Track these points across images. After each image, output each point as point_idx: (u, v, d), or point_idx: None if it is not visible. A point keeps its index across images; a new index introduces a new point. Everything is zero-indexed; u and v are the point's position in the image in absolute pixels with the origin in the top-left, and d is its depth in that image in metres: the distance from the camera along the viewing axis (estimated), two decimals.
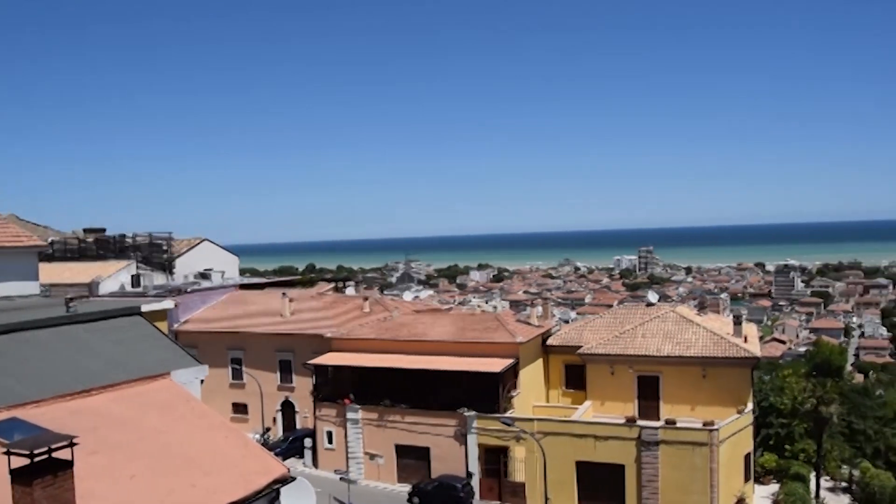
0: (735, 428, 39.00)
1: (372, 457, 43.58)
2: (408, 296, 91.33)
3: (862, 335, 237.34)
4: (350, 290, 68.40)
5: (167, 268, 61.80)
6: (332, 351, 47.07)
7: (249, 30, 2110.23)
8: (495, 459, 41.33)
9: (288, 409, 53.66)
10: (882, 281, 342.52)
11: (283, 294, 56.43)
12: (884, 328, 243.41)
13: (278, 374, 53.49)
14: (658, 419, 40.60)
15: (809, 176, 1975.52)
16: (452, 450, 41.95)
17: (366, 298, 59.72)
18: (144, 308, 21.51)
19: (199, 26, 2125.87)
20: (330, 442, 45.97)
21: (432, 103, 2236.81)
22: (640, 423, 39.00)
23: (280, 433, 52.90)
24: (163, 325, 22.26)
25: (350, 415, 44.74)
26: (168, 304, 25.00)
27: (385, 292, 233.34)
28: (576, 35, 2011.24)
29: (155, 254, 61.97)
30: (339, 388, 45.96)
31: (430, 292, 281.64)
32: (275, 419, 53.98)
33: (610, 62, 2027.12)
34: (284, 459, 44.43)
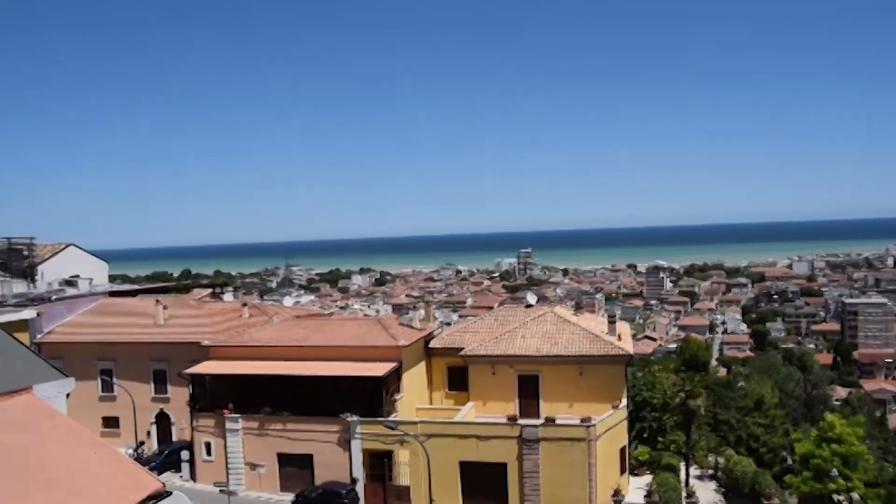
0: (611, 423, 40.46)
1: (253, 467, 42.51)
2: (288, 301, 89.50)
3: (725, 331, 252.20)
4: (228, 297, 66.48)
5: (28, 275, 58.15)
6: (209, 359, 45.59)
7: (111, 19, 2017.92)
8: (379, 464, 41.17)
9: (163, 421, 51.55)
10: (742, 280, 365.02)
11: (157, 301, 54.19)
12: (744, 324, 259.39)
13: (152, 384, 51.31)
14: (538, 417, 41.58)
15: (675, 181, 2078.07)
16: (336, 456, 41.50)
17: (244, 304, 58.26)
18: (1, 318, 20.19)
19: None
20: (209, 453, 44.51)
21: (311, 105, 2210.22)
22: (521, 421, 39.85)
23: (155, 447, 50.74)
24: (23, 337, 21.02)
25: (229, 425, 43.47)
26: (29, 313, 23.62)
27: (265, 298, 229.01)
28: (439, 33, 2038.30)
29: (15, 260, 58.16)
30: (217, 397, 44.57)
31: (312, 297, 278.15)
32: (149, 432, 51.74)
33: (488, 62, 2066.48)
34: (160, 474, 42.67)
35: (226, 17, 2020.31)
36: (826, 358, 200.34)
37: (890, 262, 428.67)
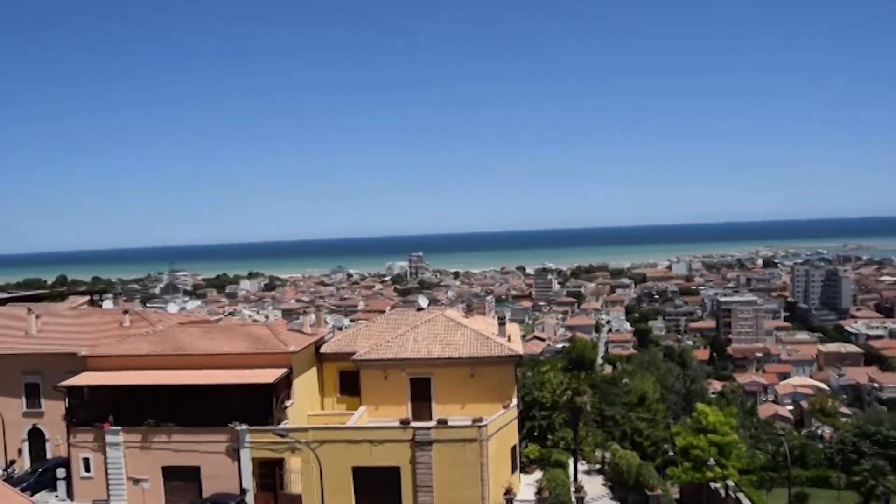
0: (502, 423, 41.08)
1: (136, 482, 40.76)
2: (173, 307, 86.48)
3: (610, 330, 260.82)
4: (108, 304, 63.52)
5: None
6: (88, 370, 43.39)
7: None
8: (270, 473, 40.30)
9: (37, 437, 48.57)
10: (626, 281, 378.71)
11: (29, 310, 51.14)
12: (628, 323, 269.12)
13: (24, 398, 48.24)
14: (431, 419, 41.76)
15: (560, 185, 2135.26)
16: (225, 466, 40.32)
17: (126, 312, 55.74)
18: None
19: None
20: (87, 470, 42.32)
21: (188, 104, 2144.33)
22: (414, 424, 39.90)
23: (27, 465, 47.82)
24: None
25: (110, 438, 41.48)
26: None
27: (148, 305, 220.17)
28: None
29: None
30: (96, 410, 42.45)
31: (198, 303, 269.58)
32: (20, 450, 48.66)
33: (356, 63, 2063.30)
34: (33, 494, 40.49)
35: None
36: (703, 354, 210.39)
37: (759, 262, 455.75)
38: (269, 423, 39.93)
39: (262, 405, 40.44)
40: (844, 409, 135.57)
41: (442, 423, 39.80)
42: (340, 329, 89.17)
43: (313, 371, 46.55)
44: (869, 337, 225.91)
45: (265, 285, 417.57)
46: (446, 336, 45.46)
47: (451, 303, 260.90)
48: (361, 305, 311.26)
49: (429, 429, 38.86)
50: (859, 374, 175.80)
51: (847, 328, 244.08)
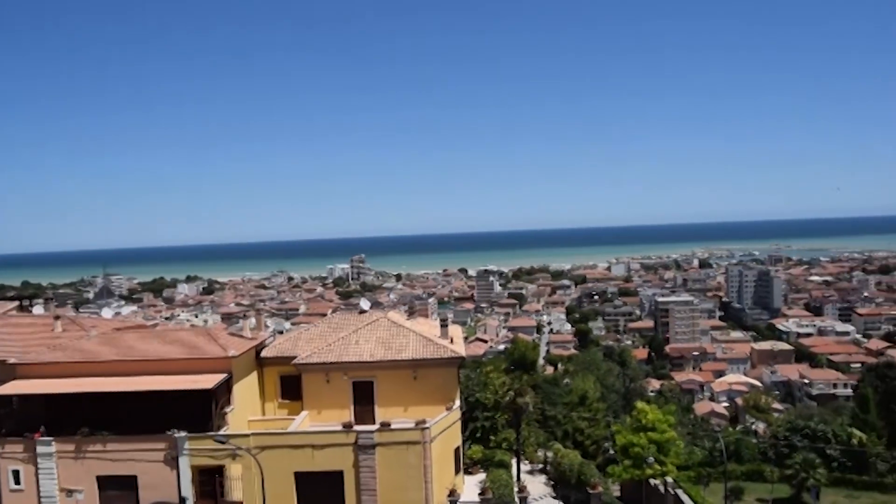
0: (445, 424, 41.11)
1: (69, 493, 39.47)
2: (107, 312, 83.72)
3: (551, 331, 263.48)
4: (38, 309, 61.28)
5: None
6: (17, 378, 41.89)
7: None
8: (210, 480, 39.48)
9: None
10: (566, 282, 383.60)
11: None
12: (568, 324, 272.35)
13: None
14: (374, 423, 41.53)
15: (501, 188, 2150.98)
16: (163, 475, 39.37)
17: (57, 317, 53.89)
18: None
19: None
20: (17, 482, 40.77)
21: (130, 107, 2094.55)
22: (357, 428, 39.62)
23: None
24: None
25: (41, 449, 40.08)
26: None
27: (81, 310, 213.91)
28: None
29: None
30: (27, 420, 40.95)
31: (134, 308, 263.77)
32: None
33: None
34: None
35: None
36: (642, 353, 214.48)
37: (695, 263, 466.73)
38: (209, 430, 39.14)
39: (201, 411, 39.60)
40: (777, 406, 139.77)
41: (385, 426, 39.62)
42: (281, 333, 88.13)
43: (254, 376, 45.84)
44: (799, 335, 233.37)
45: (204, 289, 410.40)
46: (389, 339, 45.27)
47: (394, 305, 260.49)
48: (303, 309, 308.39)
49: (372, 432, 38.65)
50: (790, 371, 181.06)
51: (778, 326, 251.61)
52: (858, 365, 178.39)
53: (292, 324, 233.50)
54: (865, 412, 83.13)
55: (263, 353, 46.67)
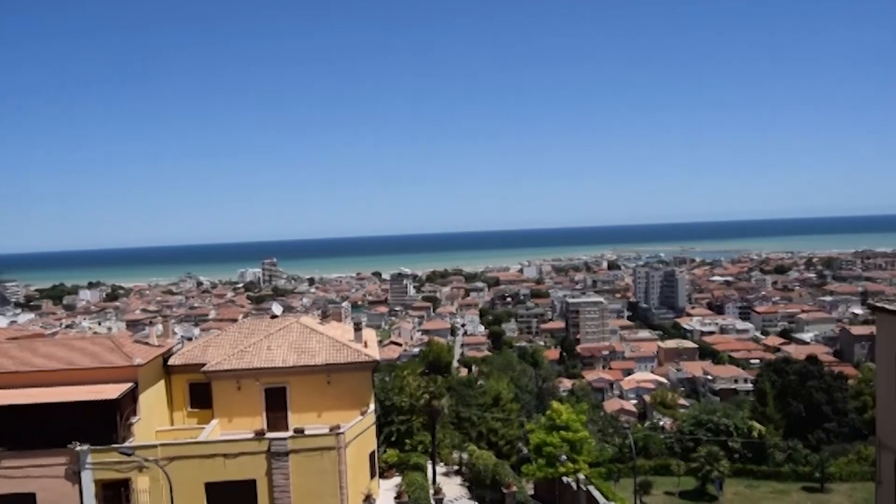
0: (359, 429, 40.78)
1: None
2: (2, 321, 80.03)
3: (465, 333, 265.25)
4: None
5: None
6: None
7: None
8: (115, 494, 37.92)
9: None
10: (479, 285, 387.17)
11: None
12: (482, 326, 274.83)
13: None
14: (287, 429, 40.84)
15: (410, 192, 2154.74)
16: (64, 491, 37.60)
17: None
18: None
19: None
20: None
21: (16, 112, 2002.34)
22: (270, 435, 38.86)
23: None
24: None
25: None
26: None
27: None
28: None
29: None
30: None
31: (31, 316, 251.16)
32: None
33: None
34: None
35: None
36: (554, 353, 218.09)
37: (604, 265, 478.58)
38: (114, 442, 37.66)
39: (105, 423, 38.04)
40: (682, 401, 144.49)
41: (298, 432, 39.00)
42: (190, 339, 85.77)
43: (161, 385, 44.37)
44: (702, 333, 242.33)
45: (107, 295, 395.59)
46: (302, 343, 44.61)
47: (307, 309, 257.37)
48: (213, 314, 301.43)
49: (285, 439, 37.97)
50: (695, 368, 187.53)
51: (683, 325, 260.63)
52: (757, 361, 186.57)
53: (202, 330, 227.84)
54: (764, 405, 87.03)
55: (171, 361, 45.23)
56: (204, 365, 43.33)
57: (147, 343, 45.00)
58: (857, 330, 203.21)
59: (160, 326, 48.73)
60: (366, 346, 45.76)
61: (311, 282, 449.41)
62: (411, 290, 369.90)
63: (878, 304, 28.06)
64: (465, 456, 55.16)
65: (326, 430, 39.00)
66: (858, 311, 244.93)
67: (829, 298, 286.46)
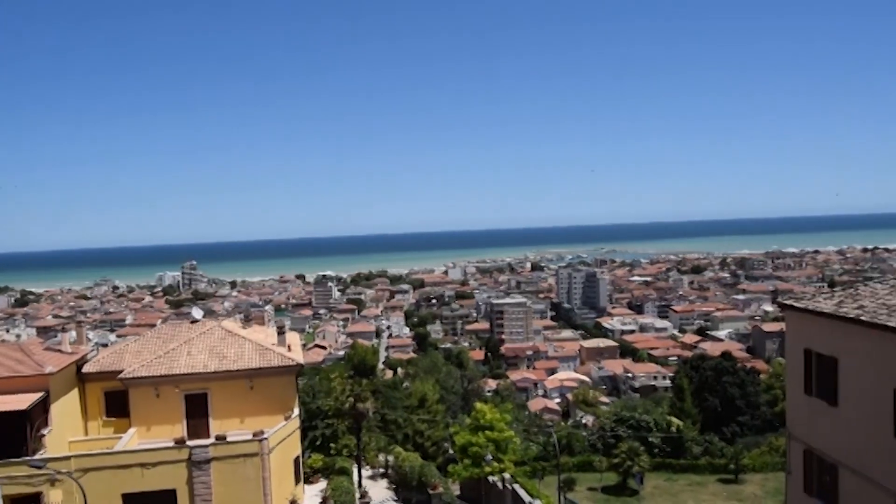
0: (283, 434, 40.18)
1: None
2: None
3: (390, 335, 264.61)
4: None
5: None
6: None
7: None
8: None
9: None
10: (404, 287, 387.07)
11: None
12: (407, 328, 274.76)
13: None
14: (209, 436, 39.91)
15: (337, 193, 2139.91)
16: None
17: None
18: None
19: None
20: None
21: None
22: (190, 443, 37.89)
23: None
24: None
25: None
26: None
27: None
28: None
29: None
30: None
31: None
32: None
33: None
34: None
35: None
36: (479, 354, 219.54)
37: (528, 266, 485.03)
38: (23, 455, 36.07)
39: (14, 435, 36.40)
40: (604, 399, 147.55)
41: (220, 439, 38.15)
42: (106, 346, 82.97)
43: (75, 393, 42.73)
44: (623, 332, 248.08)
45: (16, 301, 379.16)
46: (223, 348, 43.66)
47: (228, 313, 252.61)
48: (129, 319, 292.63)
49: (206, 446, 37.08)
50: (615, 366, 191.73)
51: (604, 324, 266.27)
52: (675, 358, 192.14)
53: (118, 336, 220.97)
54: (682, 401, 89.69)
55: (85, 369, 43.60)
56: (120, 372, 41.93)
57: (59, 350, 43.27)
58: (768, 327, 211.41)
59: (73, 333, 46.96)
60: (289, 349, 45.12)
61: (233, 285, 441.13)
62: (336, 293, 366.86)
63: (787, 302, 29.17)
64: (391, 458, 55.00)
65: (249, 437, 38.28)
66: (769, 308, 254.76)
67: (741, 297, 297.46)
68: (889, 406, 22.01)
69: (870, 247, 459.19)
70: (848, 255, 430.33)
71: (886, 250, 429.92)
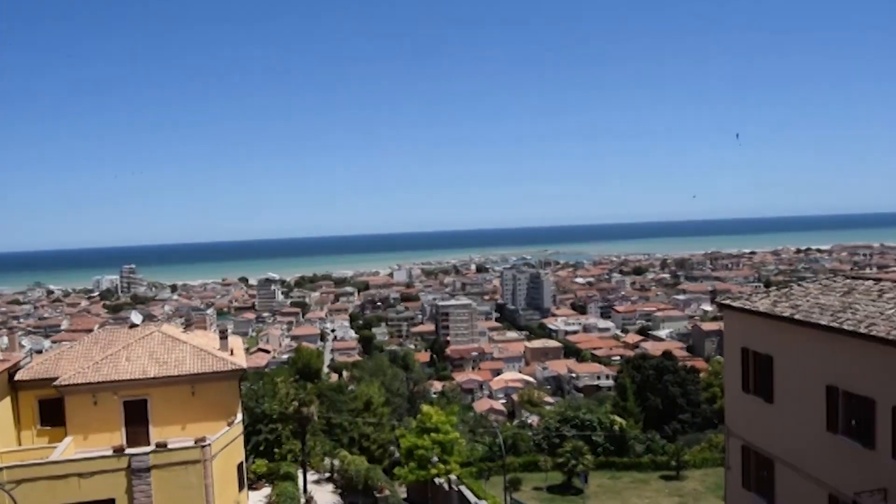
0: (226, 440, 39.55)
1: None
2: None
3: (335, 338, 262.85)
4: None
5: None
6: None
7: None
8: None
9: None
10: (349, 289, 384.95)
11: None
12: (352, 331, 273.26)
13: None
14: (149, 444, 39.03)
15: (277, 195, 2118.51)
16: None
17: None
18: None
19: None
20: None
21: None
22: (129, 451, 37.01)
23: None
24: None
25: None
26: None
27: None
28: None
29: None
30: None
31: None
32: None
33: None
34: None
35: None
36: (424, 356, 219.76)
37: (473, 268, 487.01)
38: None
39: None
40: (548, 399, 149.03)
41: (161, 446, 37.35)
42: (40, 352, 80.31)
43: (7, 402, 41.32)
44: (567, 332, 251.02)
45: None
46: (163, 353, 42.75)
47: (169, 318, 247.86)
48: (65, 325, 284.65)
49: (146, 454, 36.26)
50: (560, 366, 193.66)
51: (549, 325, 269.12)
52: (618, 358, 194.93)
53: (53, 342, 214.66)
54: (625, 400, 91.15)
55: (18, 376, 42.20)
56: (55, 379, 40.70)
57: None
58: (707, 326, 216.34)
59: (5, 339, 45.59)
60: (232, 354, 44.44)
61: (174, 289, 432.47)
62: (279, 296, 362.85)
63: (725, 302, 29.89)
64: (336, 462, 54.64)
65: (191, 443, 37.59)
66: (708, 308, 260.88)
67: (682, 297, 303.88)
68: (822, 402, 22.74)
69: (803, 248, 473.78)
70: (782, 256, 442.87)
71: (819, 251, 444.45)
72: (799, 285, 27.97)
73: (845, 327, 21.33)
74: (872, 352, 20.25)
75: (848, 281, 26.30)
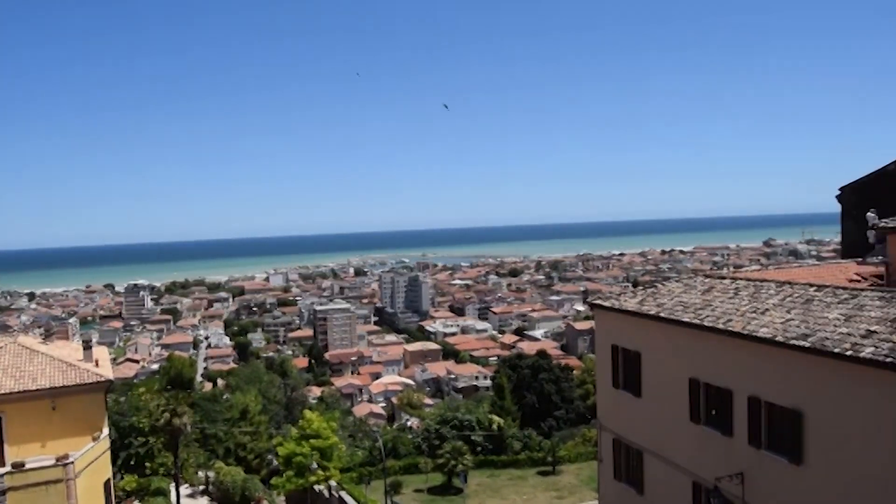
0: (92, 457, 37.59)
1: None
2: None
3: (209, 346, 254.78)
4: None
5: None
6: None
7: None
8: None
9: None
10: (223, 295, 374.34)
11: None
12: (227, 337, 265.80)
13: None
14: (4, 465, 36.50)
15: (156, 196, 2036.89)
16: None
17: None
18: None
19: None
20: None
21: None
22: None
23: None
24: None
25: None
26: None
27: None
28: None
29: None
30: None
31: None
32: None
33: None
34: None
35: None
36: (303, 362, 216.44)
37: (351, 271, 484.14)
38: None
39: None
40: (428, 401, 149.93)
41: (17, 466, 35.02)
42: None
43: None
44: (445, 334, 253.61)
45: None
46: (19, 366, 40.02)
47: (27, 328, 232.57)
48: None
49: (1, 476, 33.93)
50: (439, 368, 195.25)
51: (427, 328, 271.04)
52: (495, 358, 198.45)
53: None
54: (502, 399, 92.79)
55: None
56: None
57: None
58: (579, 325, 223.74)
59: None
60: (97, 365, 42.19)
61: (31, 297, 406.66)
62: (149, 303, 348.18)
63: (596, 302, 31.05)
64: (211, 474, 53.08)
65: (52, 462, 35.47)
66: (581, 308, 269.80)
67: (556, 298, 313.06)
68: (685, 394, 24.00)
69: (667, 249, 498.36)
70: (648, 257, 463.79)
71: (681, 252, 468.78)
72: (663, 285, 29.36)
73: (705, 323, 22.58)
74: (729, 346, 21.56)
75: (707, 280, 27.85)
